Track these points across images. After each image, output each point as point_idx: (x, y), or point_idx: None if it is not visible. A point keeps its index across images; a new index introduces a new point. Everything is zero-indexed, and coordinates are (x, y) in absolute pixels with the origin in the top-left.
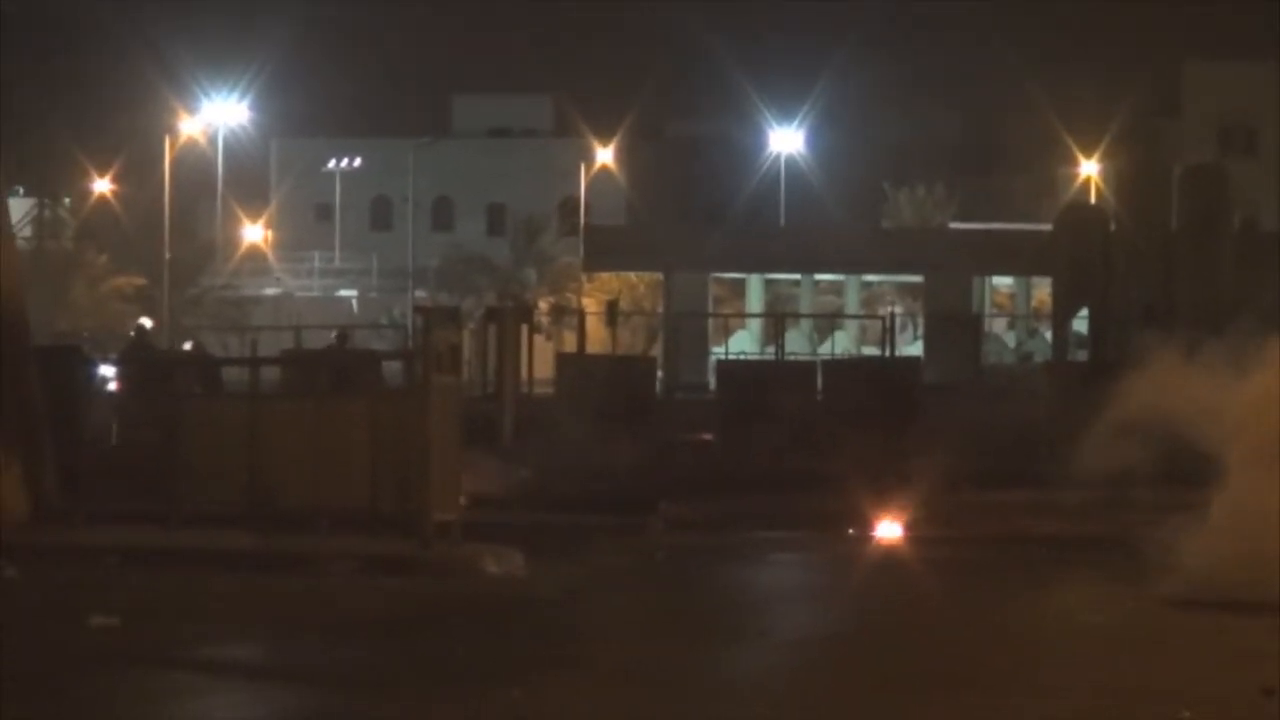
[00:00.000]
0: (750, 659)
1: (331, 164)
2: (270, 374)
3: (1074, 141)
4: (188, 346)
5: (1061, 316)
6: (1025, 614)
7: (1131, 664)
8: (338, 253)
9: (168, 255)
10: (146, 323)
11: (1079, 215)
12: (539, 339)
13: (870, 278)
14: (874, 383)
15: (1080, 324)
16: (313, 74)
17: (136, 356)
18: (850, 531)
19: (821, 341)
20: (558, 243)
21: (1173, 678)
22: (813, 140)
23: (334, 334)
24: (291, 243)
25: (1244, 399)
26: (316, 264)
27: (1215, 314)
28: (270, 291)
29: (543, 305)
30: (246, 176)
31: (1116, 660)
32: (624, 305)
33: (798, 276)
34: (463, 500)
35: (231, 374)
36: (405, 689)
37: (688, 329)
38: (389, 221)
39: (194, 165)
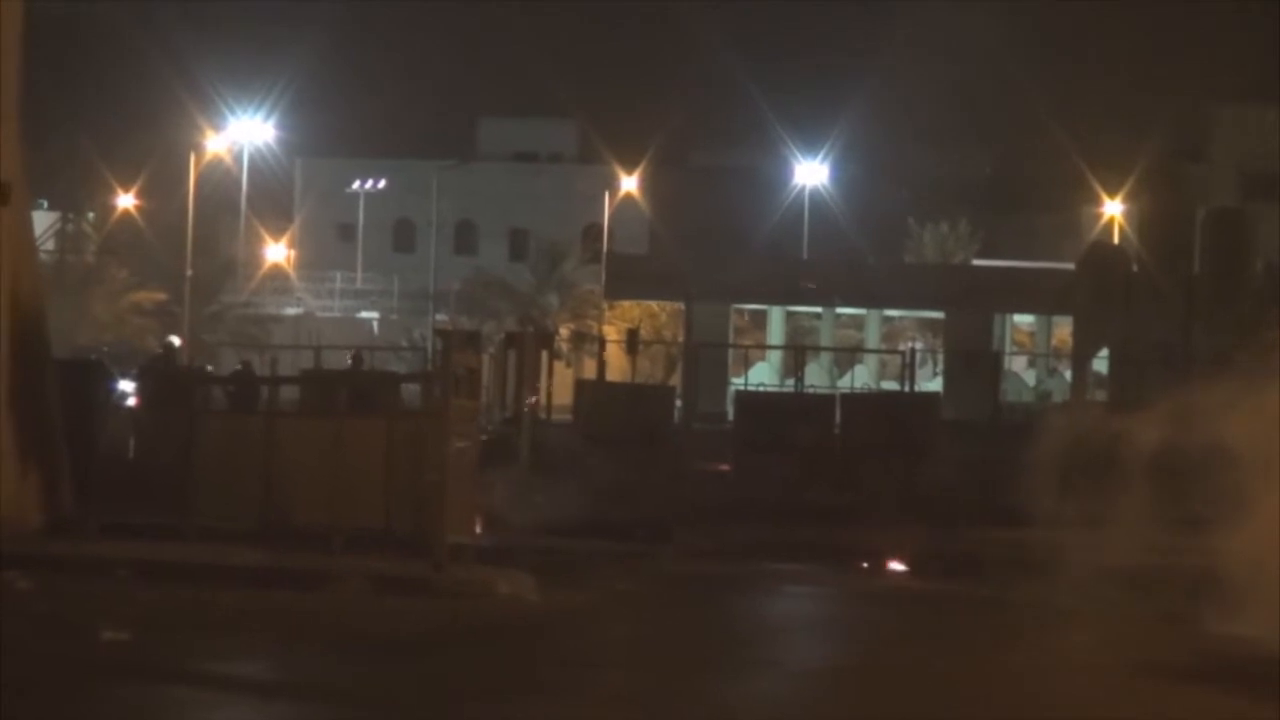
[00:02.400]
0: (760, 689)
1: (355, 184)
2: (291, 393)
3: (1098, 182)
4: (239, 367)
5: (1081, 356)
6: (1033, 653)
7: (1140, 707)
8: (359, 273)
9: (189, 271)
10: (175, 341)
11: (1101, 255)
12: (558, 365)
13: (891, 312)
14: (892, 417)
15: (1100, 364)
16: (339, 94)
17: (156, 371)
18: (864, 565)
19: (841, 375)
20: (580, 269)
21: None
22: (837, 174)
23: (349, 356)
24: (314, 262)
25: (1257, 438)
26: (338, 284)
27: (1233, 356)
28: (291, 310)
29: (563, 331)
30: (270, 195)
31: (1124, 703)
32: (645, 333)
33: (819, 309)
34: (478, 524)
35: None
36: (411, 708)
37: (707, 359)
38: (412, 243)
39: (218, 182)
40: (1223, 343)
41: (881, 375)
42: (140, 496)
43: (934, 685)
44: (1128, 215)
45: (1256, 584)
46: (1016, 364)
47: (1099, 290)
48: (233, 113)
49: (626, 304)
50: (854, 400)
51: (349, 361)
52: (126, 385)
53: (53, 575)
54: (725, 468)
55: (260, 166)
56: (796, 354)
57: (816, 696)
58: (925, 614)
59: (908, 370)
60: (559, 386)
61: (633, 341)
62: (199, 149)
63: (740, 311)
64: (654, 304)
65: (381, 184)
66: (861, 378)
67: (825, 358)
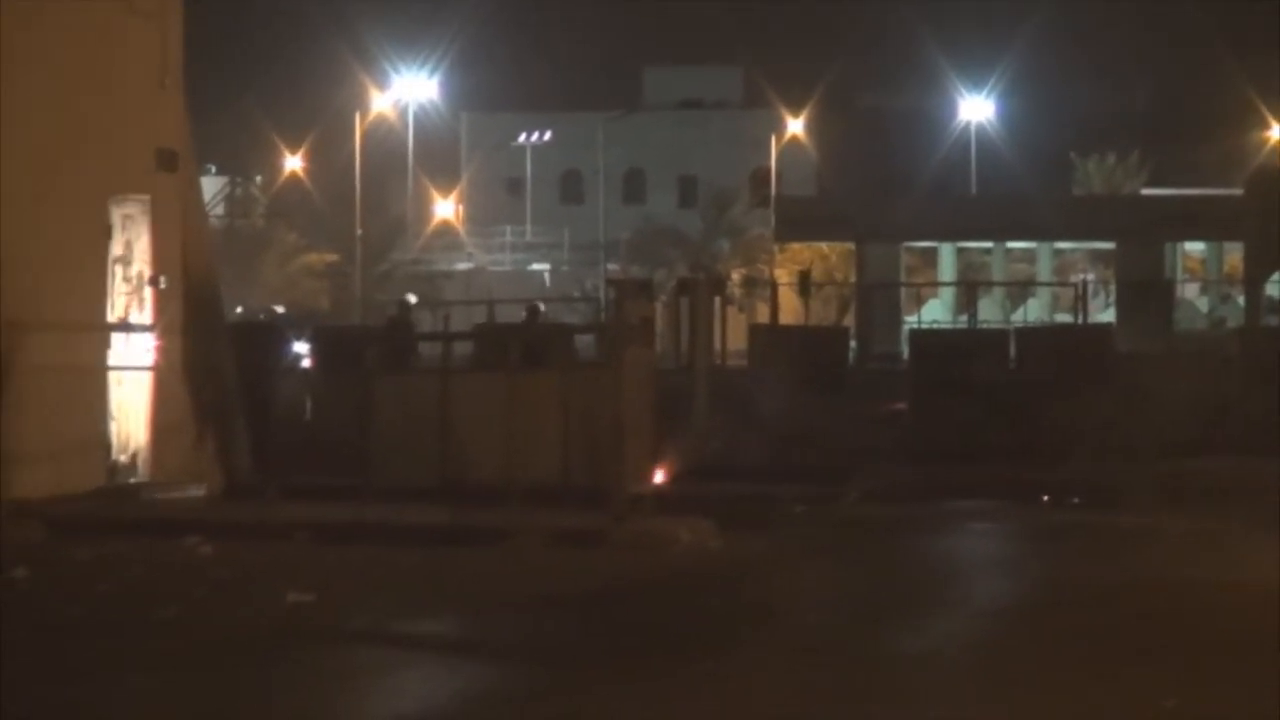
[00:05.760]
0: (945, 629)
1: (522, 138)
2: (464, 348)
3: (1265, 106)
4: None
5: (1253, 281)
6: (1225, 583)
7: None
8: (529, 226)
9: (359, 231)
10: (411, 299)
11: (1269, 179)
12: (731, 310)
13: (1062, 245)
14: (1066, 350)
15: (1273, 288)
16: (502, 48)
17: (394, 334)
18: (1045, 500)
19: (1014, 309)
20: (749, 214)
21: None
22: (1003, 109)
23: (525, 309)
24: (482, 217)
25: None
26: (508, 238)
27: None
28: (462, 266)
29: (735, 276)
30: (436, 151)
31: None
32: (816, 275)
33: (990, 245)
34: (656, 473)
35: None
36: (595, 663)
37: (880, 299)
38: (580, 195)
39: (384, 141)
40: None
41: (1054, 308)
42: (318, 458)
43: (1125, 620)
44: None
45: None
46: (1189, 291)
47: (1268, 214)
48: (396, 71)
49: (797, 247)
50: (1028, 334)
51: (525, 314)
52: (301, 347)
53: (233, 540)
54: (902, 407)
55: (425, 124)
56: (969, 290)
57: (1009, 634)
58: (1110, 548)
59: (1080, 302)
60: (733, 332)
61: (804, 284)
62: (364, 108)
63: (911, 250)
64: (824, 246)
65: (547, 136)
66: (1034, 311)
67: (998, 293)
